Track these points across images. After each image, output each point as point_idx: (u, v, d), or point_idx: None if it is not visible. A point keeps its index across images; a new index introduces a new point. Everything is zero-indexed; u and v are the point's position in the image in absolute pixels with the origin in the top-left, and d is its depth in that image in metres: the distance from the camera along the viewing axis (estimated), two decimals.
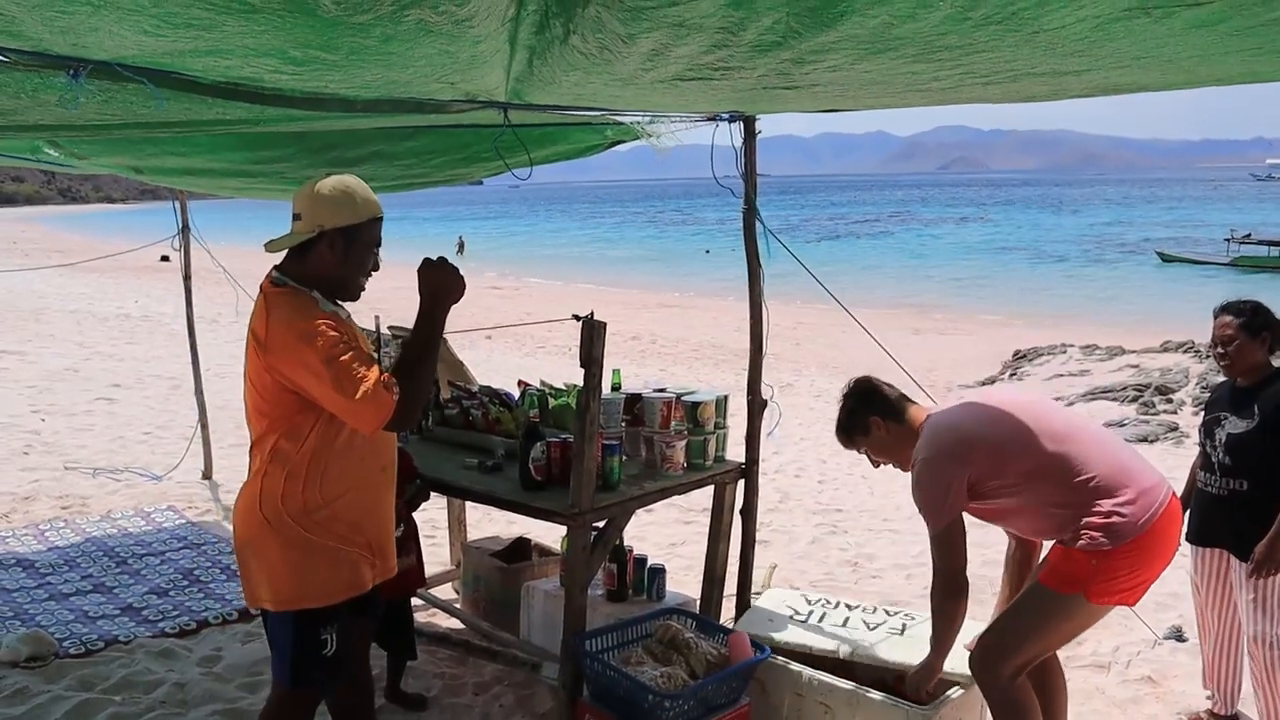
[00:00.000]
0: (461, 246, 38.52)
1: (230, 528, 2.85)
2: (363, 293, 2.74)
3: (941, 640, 3.11)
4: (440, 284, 2.63)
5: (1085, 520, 2.82)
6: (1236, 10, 1.74)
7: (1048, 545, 3.07)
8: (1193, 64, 2.25)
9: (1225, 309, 3.61)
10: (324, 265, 2.62)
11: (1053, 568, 2.94)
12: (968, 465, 2.94)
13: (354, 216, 2.61)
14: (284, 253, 2.67)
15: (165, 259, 24.13)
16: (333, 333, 2.50)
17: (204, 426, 7.21)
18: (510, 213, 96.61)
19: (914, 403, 3.22)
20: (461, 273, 2.68)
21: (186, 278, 7.21)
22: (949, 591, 3.00)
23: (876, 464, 3.32)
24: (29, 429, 8.38)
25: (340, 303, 2.71)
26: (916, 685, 3.18)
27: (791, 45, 2.06)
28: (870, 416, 3.18)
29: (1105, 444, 2.98)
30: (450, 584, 5.05)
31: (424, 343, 2.62)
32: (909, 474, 3.09)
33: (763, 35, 1.99)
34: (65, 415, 8.97)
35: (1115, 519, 2.79)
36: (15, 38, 1.94)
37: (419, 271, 2.64)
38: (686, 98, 2.94)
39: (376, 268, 2.73)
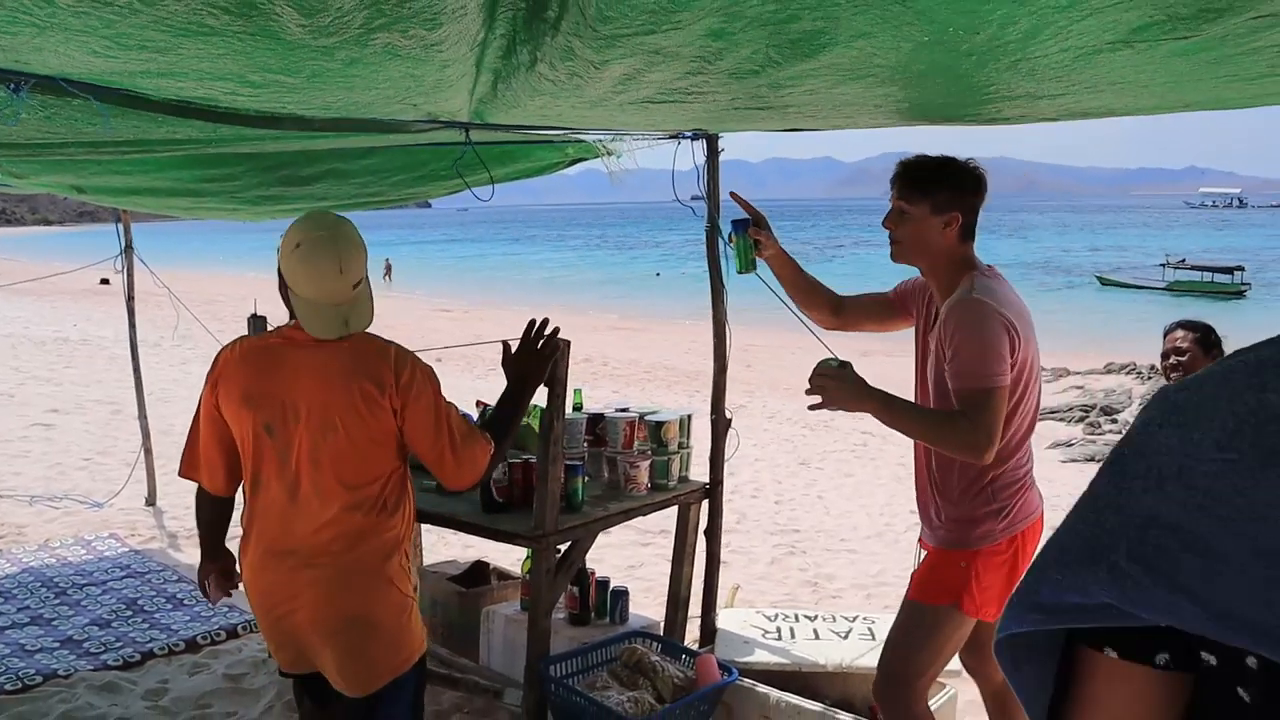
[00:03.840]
0: (389, 270, 37.80)
1: (175, 555, 2.77)
2: None
3: (910, 415, 2.68)
4: (531, 370, 2.85)
5: (973, 510, 2.70)
6: (1220, 41, 1.75)
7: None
8: (1164, 90, 2.27)
9: (1179, 325, 3.67)
10: (370, 300, 2.53)
11: (920, 579, 2.83)
12: (1015, 341, 2.60)
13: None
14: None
15: (105, 282, 23.74)
16: None
17: (147, 452, 7.01)
18: (458, 236, 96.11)
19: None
20: (541, 358, 2.87)
21: (129, 299, 7.02)
22: (966, 445, 2.55)
23: (896, 244, 2.75)
24: None
25: None
26: (823, 379, 2.63)
27: (769, 74, 2.04)
28: (956, 210, 2.66)
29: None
30: None
31: (514, 414, 2.80)
32: (949, 314, 2.63)
33: (740, 64, 1.96)
34: (0, 442, 8.68)
35: (996, 518, 2.69)
36: None
37: (507, 360, 2.85)
38: (654, 118, 2.91)
39: None
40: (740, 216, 2.96)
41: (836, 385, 2.61)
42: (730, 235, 2.93)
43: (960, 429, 2.56)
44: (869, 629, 3.71)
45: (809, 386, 2.64)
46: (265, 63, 1.87)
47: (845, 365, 2.65)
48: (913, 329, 2.98)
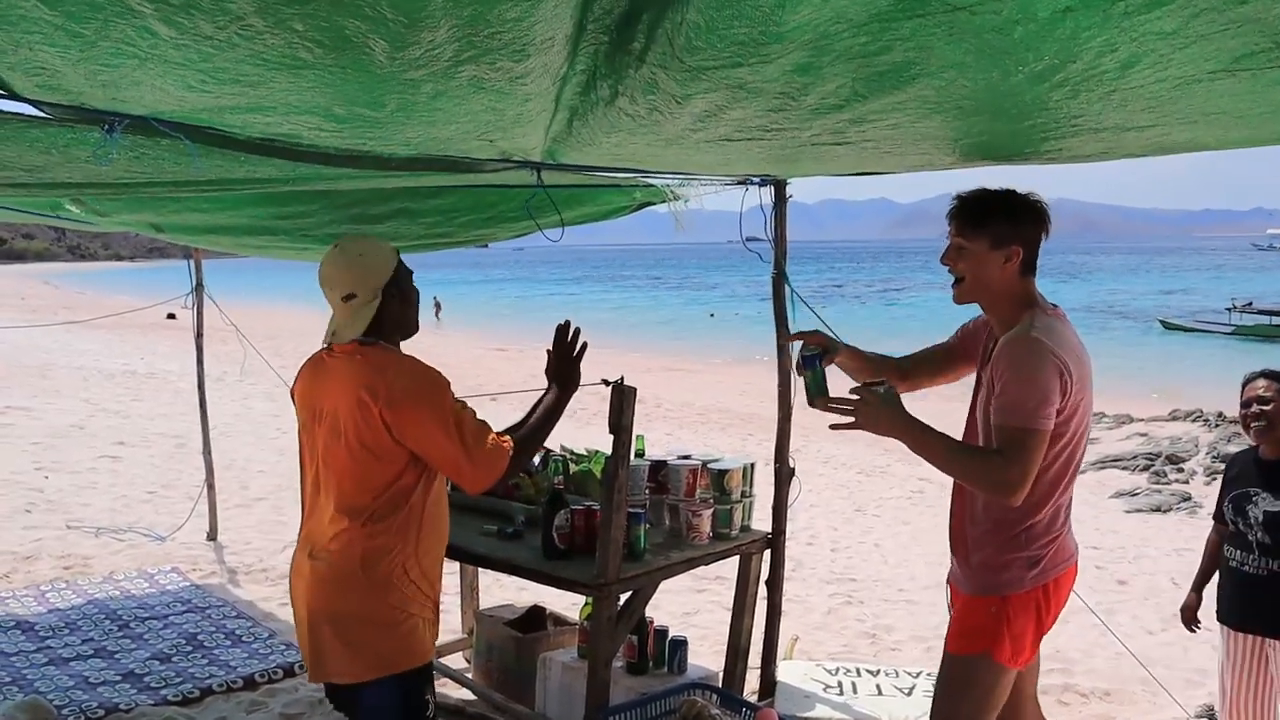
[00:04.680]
0: (438, 309, 37.99)
1: (234, 591, 2.84)
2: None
3: (941, 446, 2.60)
4: (570, 376, 2.88)
5: (1002, 555, 2.66)
6: None
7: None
8: (1260, 121, 2.20)
9: (1262, 375, 3.54)
10: (392, 318, 2.67)
11: (953, 630, 2.78)
12: (1068, 383, 2.54)
13: (392, 263, 2.68)
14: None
15: (172, 316, 24.27)
16: (450, 388, 2.62)
17: (210, 487, 7.11)
18: (514, 275, 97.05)
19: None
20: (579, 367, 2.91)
21: (198, 335, 7.15)
22: (996, 484, 2.53)
23: (958, 282, 2.69)
24: (32, 486, 8.26)
25: None
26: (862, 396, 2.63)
27: (853, 108, 2.02)
28: (1016, 244, 2.60)
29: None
30: (461, 653, 4.93)
31: (546, 418, 2.82)
32: (1003, 349, 2.60)
33: (824, 100, 1.95)
34: (69, 473, 8.86)
35: (1027, 567, 2.64)
36: (54, 91, 1.91)
37: (549, 368, 2.89)
38: (728, 156, 2.90)
39: (418, 293, 2.81)
40: (811, 352, 2.86)
41: (872, 407, 2.58)
42: (798, 364, 2.89)
43: (993, 466, 2.52)
44: (933, 685, 3.62)
45: (842, 405, 2.61)
46: (352, 95, 1.91)
47: (888, 389, 2.62)
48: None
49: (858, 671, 3.82)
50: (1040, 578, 2.65)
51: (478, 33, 1.54)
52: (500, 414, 3.02)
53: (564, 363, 2.89)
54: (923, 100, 1.98)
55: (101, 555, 6.54)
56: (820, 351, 2.79)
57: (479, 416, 2.64)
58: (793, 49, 1.65)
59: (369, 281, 2.62)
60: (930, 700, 3.45)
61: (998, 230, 2.59)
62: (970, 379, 2.90)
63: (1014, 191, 2.61)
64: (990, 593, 2.68)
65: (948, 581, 2.94)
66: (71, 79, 1.80)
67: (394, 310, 2.66)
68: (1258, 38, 1.55)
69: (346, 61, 1.64)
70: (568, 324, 2.91)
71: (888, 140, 2.49)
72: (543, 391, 2.90)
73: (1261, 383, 3.48)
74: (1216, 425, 13.68)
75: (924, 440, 2.59)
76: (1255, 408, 3.46)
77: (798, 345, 2.93)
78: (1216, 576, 3.68)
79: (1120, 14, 1.48)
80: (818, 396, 2.76)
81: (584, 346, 2.91)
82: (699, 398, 17.64)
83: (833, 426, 2.63)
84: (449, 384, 2.63)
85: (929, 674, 3.75)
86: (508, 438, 2.67)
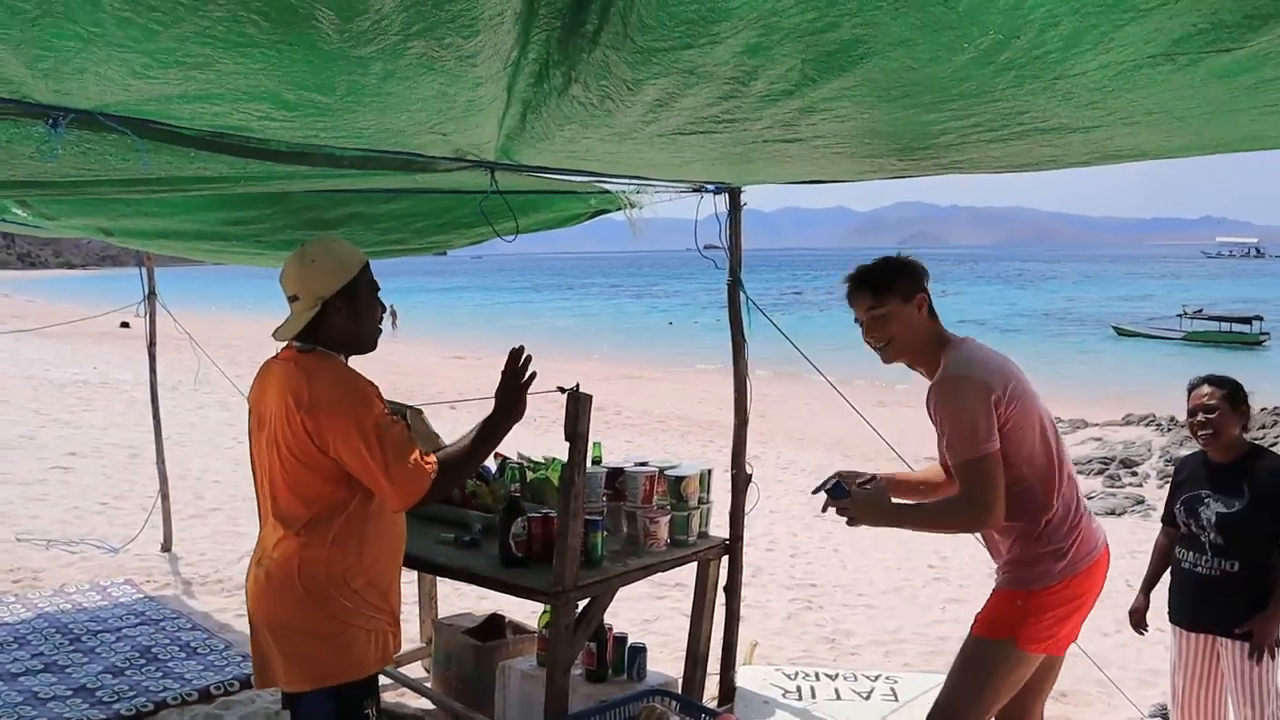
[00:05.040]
0: (394, 317, 37.51)
1: (189, 603, 2.82)
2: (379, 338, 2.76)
3: (919, 516, 3.07)
4: (512, 402, 2.73)
5: (1025, 553, 2.83)
6: (1263, 60, 1.74)
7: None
8: (1200, 124, 2.24)
9: (1206, 380, 3.60)
10: (335, 329, 2.62)
11: (981, 616, 2.93)
12: (997, 398, 2.74)
13: (346, 274, 2.62)
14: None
15: (125, 325, 23.94)
16: (380, 402, 2.55)
17: (164, 497, 7.01)
18: (473, 284, 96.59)
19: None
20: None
21: (151, 344, 7.06)
22: (972, 519, 2.79)
23: (880, 340, 2.92)
24: None
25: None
26: (863, 509, 2.90)
27: (803, 93, 2.03)
28: (920, 292, 2.88)
29: (1074, 476, 2.99)
30: (420, 662, 4.90)
31: (480, 441, 2.72)
32: (931, 396, 2.84)
33: (773, 84, 1.97)
34: (19, 484, 8.69)
35: (1053, 559, 2.80)
36: None
37: (499, 390, 2.73)
38: (683, 156, 2.91)
39: (384, 308, 2.74)
40: (830, 485, 2.99)
41: (861, 506, 2.87)
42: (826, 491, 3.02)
43: (961, 506, 2.77)
44: (891, 689, 3.65)
45: (840, 506, 2.89)
46: (300, 78, 1.89)
47: (875, 487, 2.91)
48: None
49: (816, 676, 3.85)
50: (1069, 570, 2.82)
51: (425, 1, 1.54)
52: (459, 422, 3.00)
53: (509, 387, 2.75)
54: (871, 85, 2.00)
55: (52, 568, 6.42)
56: (838, 481, 2.96)
57: (407, 434, 2.56)
58: (741, 27, 1.67)
59: (310, 288, 2.59)
60: (888, 703, 3.50)
61: (902, 286, 2.86)
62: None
63: (890, 256, 2.94)
64: (1020, 587, 2.84)
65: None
66: (12, 68, 1.77)
67: (337, 322, 2.61)
68: (1195, 17, 1.58)
69: (294, 37, 1.63)
70: (521, 349, 2.81)
71: (837, 138, 2.51)
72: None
73: (1206, 389, 3.55)
74: (1169, 430, 13.95)
75: (908, 517, 3.06)
76: (1201, 416, 3.53)
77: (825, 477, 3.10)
78: (1165, 579, 3.75)
79: None
80: (828, 505, 2.99)
81: (533, 375, 2.77)
82: (658, 405, 17.68)
83: (848, 523, 2.93)
84: (377, 395, 2.56)
85: (887, 677, 3.78)
86: (433, 459, 2.58)
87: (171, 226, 4.67)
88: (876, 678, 3.81)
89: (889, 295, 2.85)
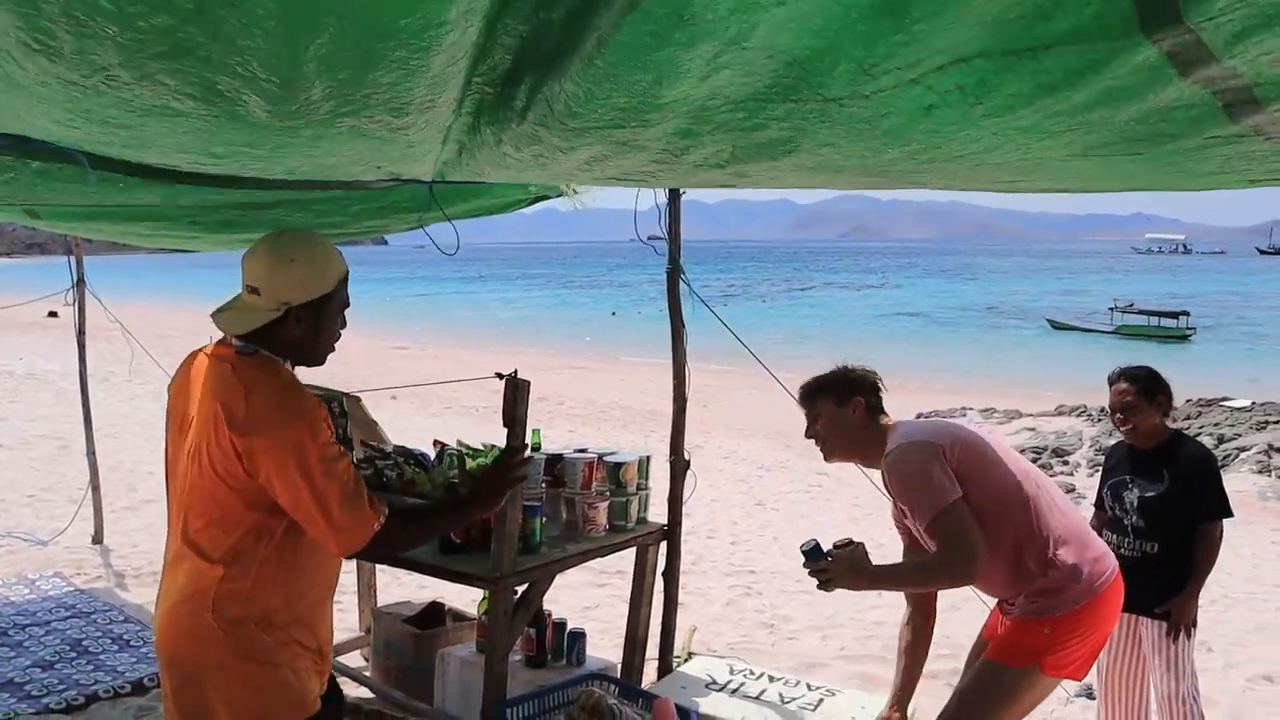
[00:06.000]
0: None
1: (122, 595, 2.62)
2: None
3: (899, 575, 3.15)
4: (492, 495, 2.55)
5: (1043, 583, 2.87)
6: (1170, 154, 1.81)
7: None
8: (1115, 181, 2.35)
9: (1121, 375, 3.70)
10: (293, 339, 2.29)
11: (1002, 643, 2.96)
12: (943, 450, 2.86)
13: (323, 288, 2.29)
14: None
15: (54, 314, 23.31)
16: (328, 429, 2.19)
17: (95, 488, 6.87)
18: (415, 275, 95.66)
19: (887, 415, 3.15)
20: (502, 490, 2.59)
21: (80, 333, 6.91)
22: (952, 570, 2.81)
23: (823, 444, 3.11)
24: None
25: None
26: (841, 573, 2.89)
27: (735, 166, 2.09)
28: (855, 396, 3.06)
29: (1067, 503, 3.06)
30: (359, 651, 4.87)
31: (447, 514, 2.67)
32: (886, 480, 2.98)
33: (706, 159, 2.01)
34: None
35: (1072, 582, 2.85)
36: None
37: (483, 474, 2.63)
38: (621, 184, 2.96)
39: (344, 325, 2.44)
40: (809, 548, 2.94)
41: (840, 571, 2.86)
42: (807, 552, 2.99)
43: (940, 559, 2.83)
44: (819, 699, 3.60)
45: (819, 570, 2.88)
46: (230, 139, 1.88)
47: (853, 550, 2.89)
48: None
49: (757, 675, 3.83)
50: (1089, 590, 2.87)
51: (354, 93, 1.52)
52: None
53: (495, 480, 2.54)
54: (799, 166, 2.07)
55: None
56: (817, 545, 2.96)
57: (353, 471, 2.22)
58: (673, 117, 1.70)
59: (279, 290, 2.24)
60: (803, 715, 3.52)
61: (835, 392, 3.07)
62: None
63: (846, 367, 3.15)
64: (1045, 615, 2.88)
65: (998, 609, 3.15)
66: None
67: (295, 332, 2.28)
68: (1106, 134, 1.66)
69: (221, 112, 1.59)
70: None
71: (773, 175, 2.58)
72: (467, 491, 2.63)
73: (1122, 385, 3.67)
74: (1099, 420, 14.27)
75: (889, 578, 3.17)
76: (1119, 414, 3.66)
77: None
78: None
79: (980, 115, 1.58)
80: (808, 565, 2.95)
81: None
82: (601, 395, 17.68)
83: (820, 586, 2.91)
84: (325, 419, 2.20)
85: (829, 690, 3.73)
86: (384, 509, 2.26)
87: (102, 205, 4.55)
88: (816, 688, 3.72)
89: (822, 401, 3.08)
